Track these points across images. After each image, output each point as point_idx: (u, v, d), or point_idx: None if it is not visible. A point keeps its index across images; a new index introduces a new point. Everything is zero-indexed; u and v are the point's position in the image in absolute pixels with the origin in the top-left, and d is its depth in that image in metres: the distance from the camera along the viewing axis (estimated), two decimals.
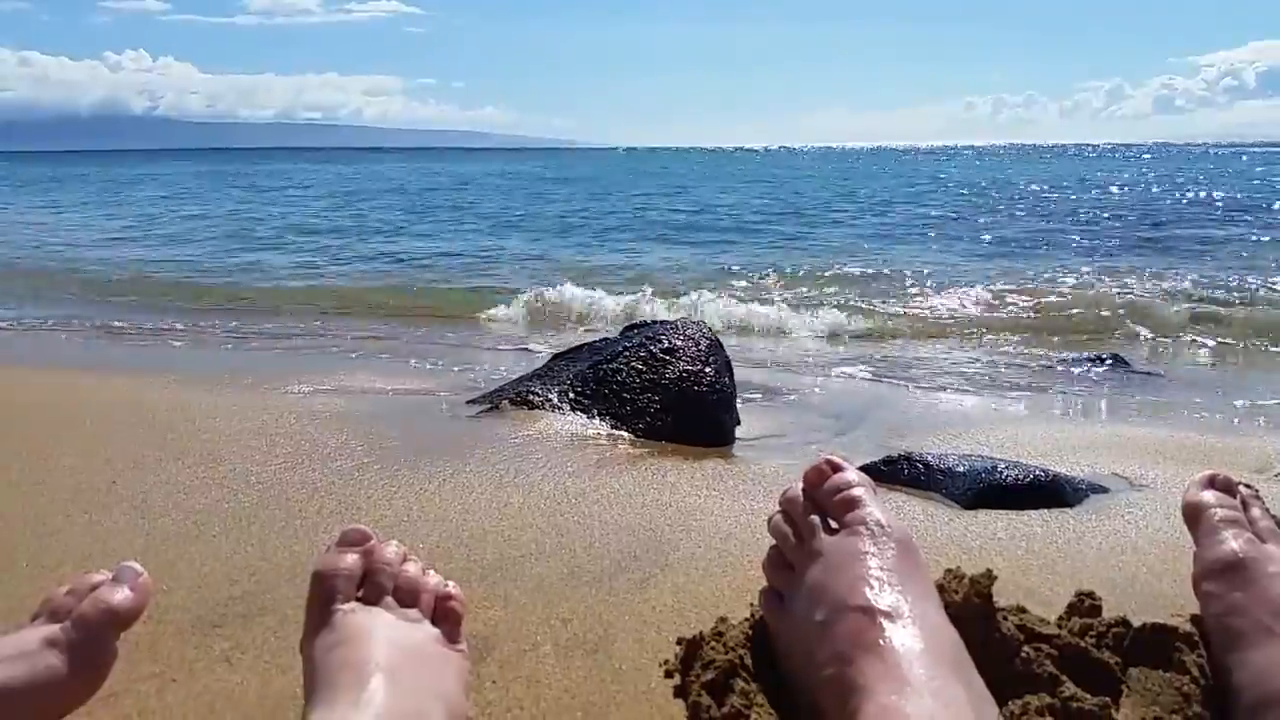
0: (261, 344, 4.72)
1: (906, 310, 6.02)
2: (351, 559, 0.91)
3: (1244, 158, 50.04)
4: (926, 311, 5.98)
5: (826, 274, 7.74)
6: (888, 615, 0.84)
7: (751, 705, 0.92)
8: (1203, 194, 17.97)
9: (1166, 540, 1.74)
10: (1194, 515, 1.09)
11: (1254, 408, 3.47)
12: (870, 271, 7.84)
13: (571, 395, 2.74)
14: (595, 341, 3.19)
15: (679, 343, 2.84)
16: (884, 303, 6.26)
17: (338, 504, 1.90)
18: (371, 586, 0.90)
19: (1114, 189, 20.65)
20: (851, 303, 6.19)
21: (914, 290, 6.83)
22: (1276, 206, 14.68)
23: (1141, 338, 4.97)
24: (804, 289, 6.98)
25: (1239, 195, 17.44)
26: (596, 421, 2.65)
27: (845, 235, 11.55)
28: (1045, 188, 21.46)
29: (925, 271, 7.75)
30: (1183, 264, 8.17)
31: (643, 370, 2.74)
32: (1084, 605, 1.08)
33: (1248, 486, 1.12)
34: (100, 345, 4.65)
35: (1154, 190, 20.10)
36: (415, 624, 0.89)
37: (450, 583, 0.95)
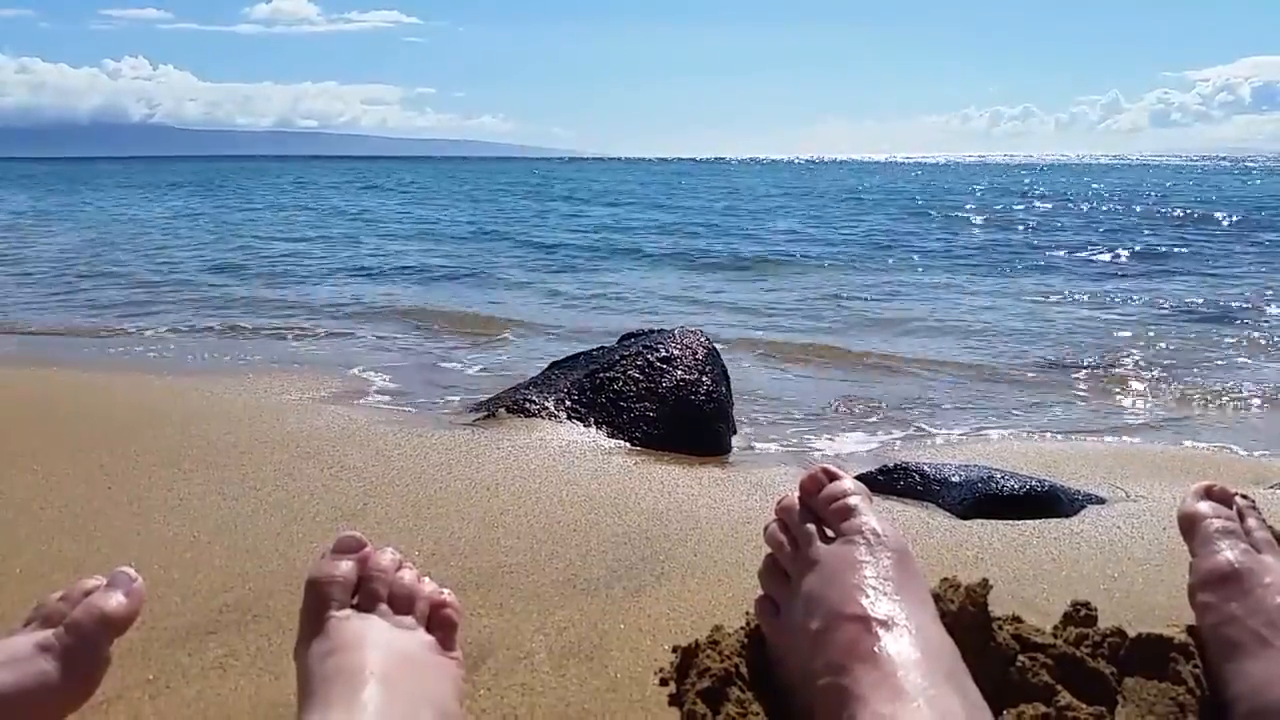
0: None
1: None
2: (346, 566, 0.90)
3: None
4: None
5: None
6: (883, 624, 0.84)
7: (747, 714, 0.92)
8: None
9: (1162, 551, 1.74)
10: (1190, 526, 1.09)
11: (1252, 419, 3.47)
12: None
13: (568, 403, 2.74)
14: (593, 350, 3.19)
15: (676, 352, 2.84)
16: None
17: (333, 510, 1.89)
18: (366, 593, 0.90)
19: None
20: None
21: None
22: None
23: (1137, 347, 4.97)
24: None
25: None
26: (593, 430, 2.65)
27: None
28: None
29: None
30: None
31: (639, 379, 2.74)
32: (1080, 615, 1.08)
33: (1244, 497, 1.12)
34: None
35: None
36: (409, 631, 0.89)
37: (445, 590, 0.95)
